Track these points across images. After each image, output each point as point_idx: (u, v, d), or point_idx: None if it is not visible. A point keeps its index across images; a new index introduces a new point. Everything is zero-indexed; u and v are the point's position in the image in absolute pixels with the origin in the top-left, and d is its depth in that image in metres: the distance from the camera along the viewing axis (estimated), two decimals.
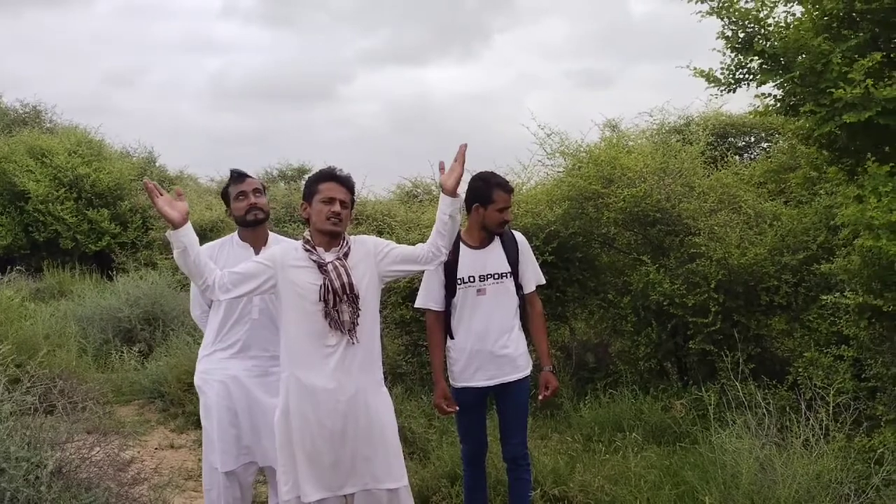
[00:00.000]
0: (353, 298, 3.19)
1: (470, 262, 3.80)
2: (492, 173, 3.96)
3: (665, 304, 6.08)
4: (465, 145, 3.29)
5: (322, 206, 3.20)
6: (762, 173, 7.59)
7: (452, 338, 3.84)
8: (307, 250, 3.22)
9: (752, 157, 11.10)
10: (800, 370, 5.06)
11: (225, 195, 3.84)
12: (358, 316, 3.20)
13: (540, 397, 3.98)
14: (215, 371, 3.64)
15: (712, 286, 5.91)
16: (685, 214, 6.35)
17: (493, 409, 4.03)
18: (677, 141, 8.30)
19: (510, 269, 3.85)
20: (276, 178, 19.12)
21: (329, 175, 3.26)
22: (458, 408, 3.84)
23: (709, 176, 7.08)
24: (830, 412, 4.04)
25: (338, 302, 3.15)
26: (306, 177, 18.47)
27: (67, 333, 7.37)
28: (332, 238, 3.24)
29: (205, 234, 13.28)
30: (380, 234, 7.43)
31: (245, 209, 3.68)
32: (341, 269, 3.19)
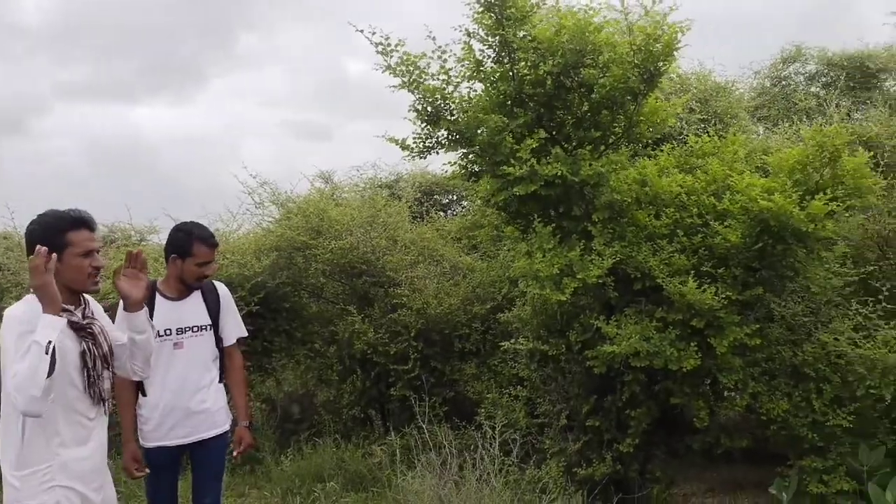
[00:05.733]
0: (110, 365, 2.79)
1: (167, 314, 3.62)
2: (195, 224, 3.80)
3: (369, 352, 6.31)
4: (141, 252, 2.85)
5: (80, 259, 2.68)
6: (458, 229, 8.27)
7: (144, 395, 3.61)
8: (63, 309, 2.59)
9: (455, 213, 12.03)
10: (484, 410, 5.53)
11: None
12: (113, 384, 2.85)
13: (234, 454, 3.90)
14: None
15: (412, 335, 6.28)
16: (388, 267, 6.68)
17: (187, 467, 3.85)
18: (388, 196, 8.74)
19: (210, 322, 3.74)
20: None
21: (79, 221, 2.70)
22: (148, 470, 3.60)
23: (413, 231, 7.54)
24: (497, 448, 4.46)
25: (101, 370, 2.73)
26: None
27: None
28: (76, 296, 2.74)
29: None
30: None
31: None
32: (106, 333, 2.78)
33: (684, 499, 5.44)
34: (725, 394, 5.10)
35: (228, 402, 3.86)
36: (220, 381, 3.82)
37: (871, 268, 5.06)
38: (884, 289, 4.70)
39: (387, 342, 6.29)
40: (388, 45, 4.83)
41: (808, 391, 4.56)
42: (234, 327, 3.90)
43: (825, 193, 4.36)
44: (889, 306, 4.66)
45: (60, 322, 2.49)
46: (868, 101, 7.98)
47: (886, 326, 4.54)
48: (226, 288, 3.94)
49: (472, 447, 4.66)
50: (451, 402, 6.28)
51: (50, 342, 2.42)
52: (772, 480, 4.86)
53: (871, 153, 5.00)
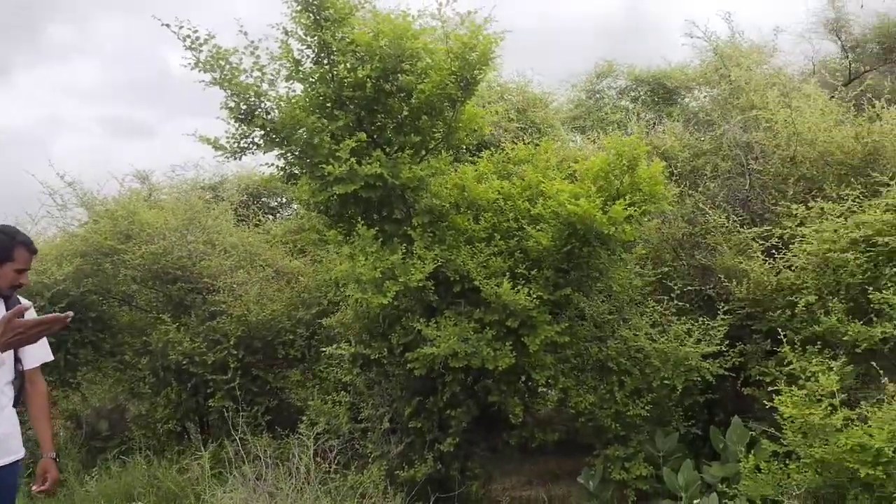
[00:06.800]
0: None
1: None
2: (16, 229, 3.46)
3: (185, 363, 6.00)
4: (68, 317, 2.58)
5: None
6: (284, 233, 8.07)
7: None
8: None
9: (284, 216, 11.72)
10: (307, 418, 5.42)
11: None
12: None
13: (34, 489, 3.52)
14: None
15: (232, 343, 6.03)
16: (206, 272, 6.39)
17: None
18: (211, 198, 8.35)
19: None
20: None
21: None
22: None
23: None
24: (318, 455, 4.39)
25: None
26: None
27: None
28: None
29: None
30: None
31: None
32: None
33: (503, 492, 5.63)
34: (539, 390, 5.35)
35: (28, 431, 3.51)
36: (16, 406, 3.46)
37: (667, 268, 5.50)
38: (676, 287, 5.12)
39: (205, 351, 6.01)
40: (197, 38, 4.62)
41: (611, 384, 4.88)
42: (38, 350, 3.54)
43: (624, 199, 4.68)
44: (680, 303, 5.10)
45: None
46: (669, 115, 8.70)
47: (678, 322, 4.95)
48: (31, 305, 3.58)
49: (293, 456, 4.55)
50: (274, 411, 6.12)
51: None
52: (582, 470, 5.14)
53: (667, 163, 5.45)
